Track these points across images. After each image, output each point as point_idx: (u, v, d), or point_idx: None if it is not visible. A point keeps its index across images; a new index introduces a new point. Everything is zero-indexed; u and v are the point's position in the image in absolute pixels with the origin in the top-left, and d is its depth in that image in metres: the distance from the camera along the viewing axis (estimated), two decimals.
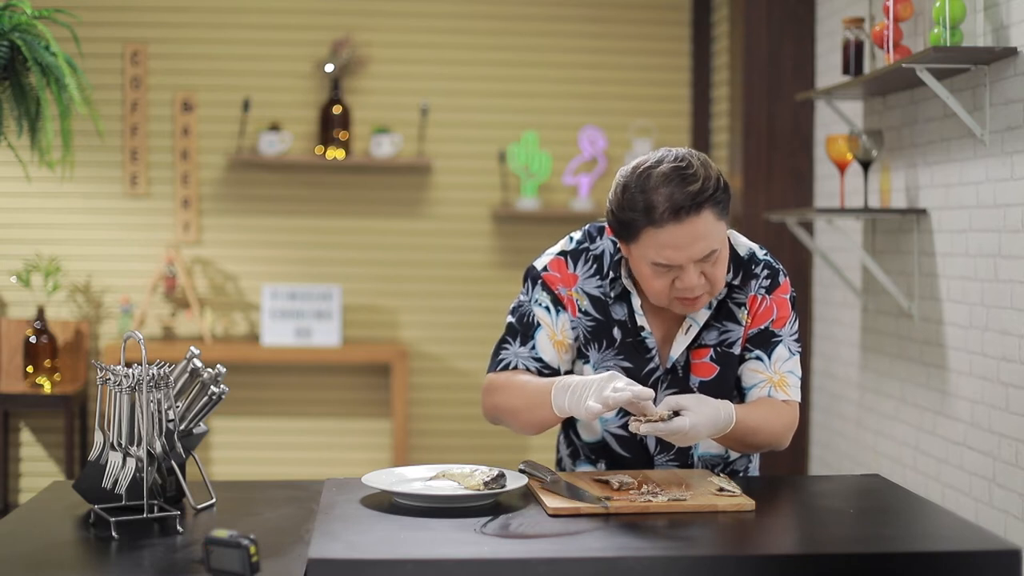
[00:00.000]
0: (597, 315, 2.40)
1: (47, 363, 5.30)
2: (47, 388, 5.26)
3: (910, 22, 3.76)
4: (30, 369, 5.30)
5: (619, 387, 2.12)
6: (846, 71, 3.97)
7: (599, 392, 2.14)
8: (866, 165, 3.95)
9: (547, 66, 5.73)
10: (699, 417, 2.14)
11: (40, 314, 5.33)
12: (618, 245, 2.39)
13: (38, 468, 5.57)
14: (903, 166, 3.98)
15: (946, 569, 1.86)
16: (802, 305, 4.94)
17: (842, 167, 4.07)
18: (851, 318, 4.50)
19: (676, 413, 2.15)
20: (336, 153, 5.54)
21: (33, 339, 5.30)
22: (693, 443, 2.22)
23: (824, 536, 2.05)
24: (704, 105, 5.70)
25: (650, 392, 2.13)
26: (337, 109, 5.55)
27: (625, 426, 2.40)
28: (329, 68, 5.57)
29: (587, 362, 2.42)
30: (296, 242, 5.66)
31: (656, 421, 2.12)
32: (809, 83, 4.88)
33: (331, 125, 5.55)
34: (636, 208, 2.21)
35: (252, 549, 1.63)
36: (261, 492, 2.41)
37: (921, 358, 3.87)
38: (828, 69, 4.70)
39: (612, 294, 2.39)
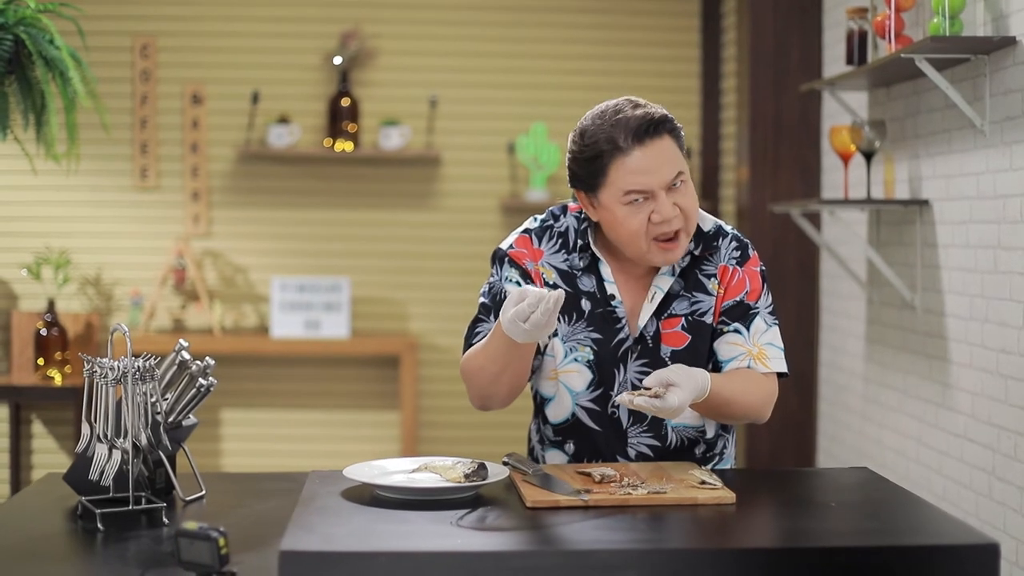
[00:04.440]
0: (565, 287, 2.41)
1: (58, 355, 5.34)
2: (58, 380, 5.29)
3: (912, 12, 3.74)
4: (41, 361, 5.34)
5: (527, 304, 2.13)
6: (849, 61, 3.95)
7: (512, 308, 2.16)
8: (869, 156, 3.93)
9: (556, 57, 5.72)
10: (686, 393, 2.17)
11: (51, 307, 5.36)
12: (582, 218, 2.42)
13: (49, 460, 5.61)
14: (906, 157, 3.96)
15: (924, 563, 1.85)
16: (809, 297, 4.93)
17: (846, 158, 4.05)
18: (856, 310, 4.48)
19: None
20: (345, 145, 5.55)
21: (44, 331, 5.34)
22: (677, 416, 2.23)
23: (803, 530, 2.04)
24: (714, 97, 5.68)
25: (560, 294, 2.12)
26: (346, 101, 5.56)
27: (597, 399, 2.41)
28: (338, 60, 5.58)
29: (556, 335, 2.41)
30: (305, 234, 5.68)
31: (650, 396, 2.15)
32: (816, 74, 4.85)
33: (340, 117, 5.56)
34: (599, 142, 2.29)
35: (221, 542, 1.64)
36: (252, 484, 2.42)
37: (924, 350, 3.85)
38: (834, 60, 4.68)
39: (581, 264, 2.41)
